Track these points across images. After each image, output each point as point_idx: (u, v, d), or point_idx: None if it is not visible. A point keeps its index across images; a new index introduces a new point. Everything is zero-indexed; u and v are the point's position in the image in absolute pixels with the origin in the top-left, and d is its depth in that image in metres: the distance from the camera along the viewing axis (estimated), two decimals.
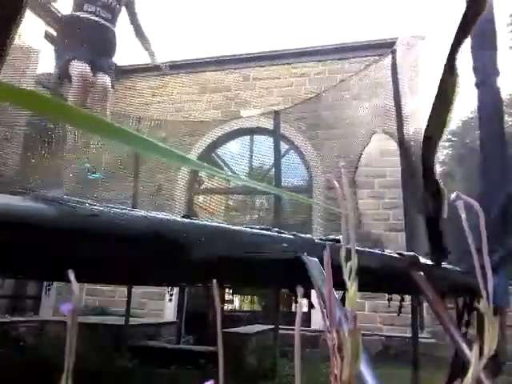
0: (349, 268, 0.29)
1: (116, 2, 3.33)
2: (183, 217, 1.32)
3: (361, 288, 0.32)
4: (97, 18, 3.23)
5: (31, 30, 6.33)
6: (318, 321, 6.77)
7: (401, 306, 3.06)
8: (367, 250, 1.72)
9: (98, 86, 3.23)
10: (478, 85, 1.66)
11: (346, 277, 0.30)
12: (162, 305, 7.44)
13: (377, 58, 2.84)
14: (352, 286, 0.29)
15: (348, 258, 0.30)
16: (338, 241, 1.52)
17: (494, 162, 1.62)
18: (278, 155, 5.06)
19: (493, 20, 1.69)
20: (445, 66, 1.25)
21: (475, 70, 1.67)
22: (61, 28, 3.62)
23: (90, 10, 3.19)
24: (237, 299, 11.61)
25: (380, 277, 1.73)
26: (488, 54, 1.64)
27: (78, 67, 3.07)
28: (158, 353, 5.04)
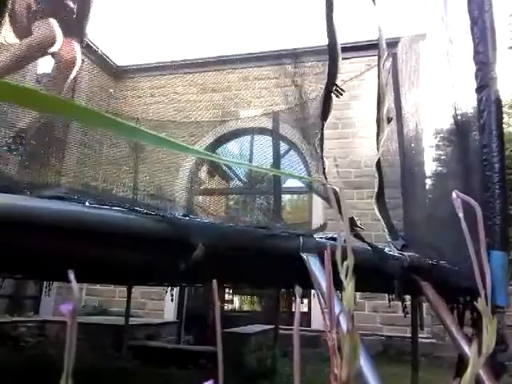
0: (345, 267, 0.30)
1: None
2: (183, 216, 1.32)
3: (361, 288, 0.32)
4: None
5: None
6: (318, 321, 6.78)
7: (405, 307, 3.05)
8: (366, 249, 1.72)
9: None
10: (478, 89, 1.66)
11: (342, 276, 0.30)
12: (162, 305, 7.44)
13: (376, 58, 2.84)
14: (349, 285, 0.29)
15: (346, 258, 0.31)
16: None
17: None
18: (277, 155, 5.07)
19: (493, 24, 1.69)
20: None
21: (476, 75, 1.67)
22: None
23: None
24: (237, 299, 11.60)
25: (380, 277, 1.72)
26: (488, 59, 1.64)
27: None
28: (157, 353, 5.04)
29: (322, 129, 1.99)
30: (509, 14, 9.69)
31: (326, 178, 1.90)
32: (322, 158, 1.93)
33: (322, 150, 1.96)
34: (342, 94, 1.91)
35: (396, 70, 3.15)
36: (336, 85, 1.86)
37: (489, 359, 0.35)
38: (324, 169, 1.90)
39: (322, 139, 1.98)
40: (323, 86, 1.97)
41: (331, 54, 1.87)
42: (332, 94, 1.87)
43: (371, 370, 1.07)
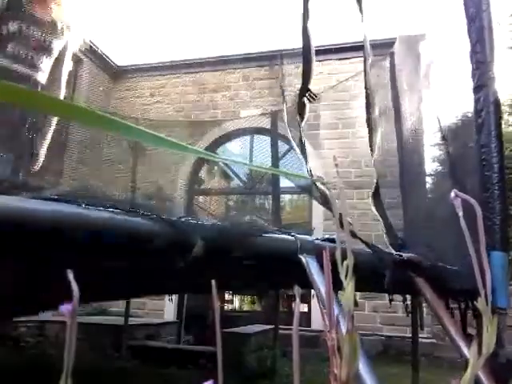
0: (345, 267, 0.30)
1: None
2: (181, 217, 1.32)
3: (361, 288, 0.32)
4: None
5: None
6: (317, 321, 6.78)
7: (407, 307, 3.04)
8: (366, 249, 1.72)
9: None
10: (475, 89, 1.66)
11: (342, 276, 0.30)
12: (162, 305, 7.44)
13: (376, 58, 2.84)
14: (348, 285, 0.29)
15: (345, 258, 0.31)
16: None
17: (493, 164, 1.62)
18: (275, 155, 5.07)
19: (491, 23, 1.69)
20: None
21: (473, 74, 1.66)
22: None
23: None
24: (237, 299, 11.61)
25: (379, 277, 1.72)
26: (486, 58, 1.64)
27: None
28: (157, 353, 5.04)
29: (300, 132, 1.97)
30: (509, 14, 9.69)
31: (314, 184, 1.89)
32: (307, 163, 1.92)
33: (305, 155, 1.94)
34: (314, 100, 1.90)
35: (394, 70, 3.15)
36: (309, 90, 1.85)
37: (493, 362, 0.35)
38: (309, 171, 1.89)
39: (302, 143, 1.96)
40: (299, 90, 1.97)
41: (305, 57, 1.86)
42: (305, 99, 1.87)
43: (370, 370, 1.07)
